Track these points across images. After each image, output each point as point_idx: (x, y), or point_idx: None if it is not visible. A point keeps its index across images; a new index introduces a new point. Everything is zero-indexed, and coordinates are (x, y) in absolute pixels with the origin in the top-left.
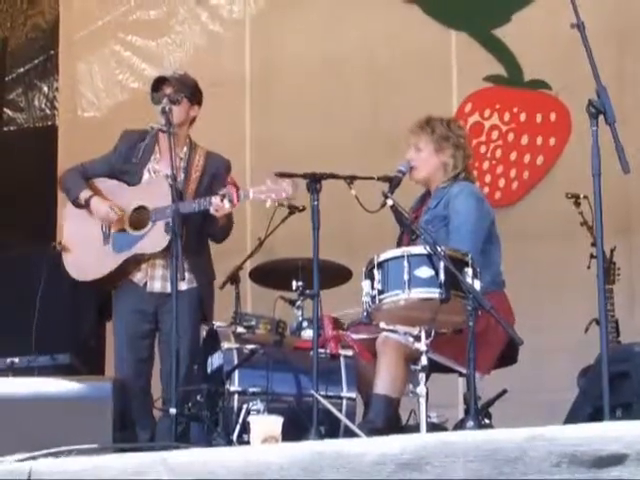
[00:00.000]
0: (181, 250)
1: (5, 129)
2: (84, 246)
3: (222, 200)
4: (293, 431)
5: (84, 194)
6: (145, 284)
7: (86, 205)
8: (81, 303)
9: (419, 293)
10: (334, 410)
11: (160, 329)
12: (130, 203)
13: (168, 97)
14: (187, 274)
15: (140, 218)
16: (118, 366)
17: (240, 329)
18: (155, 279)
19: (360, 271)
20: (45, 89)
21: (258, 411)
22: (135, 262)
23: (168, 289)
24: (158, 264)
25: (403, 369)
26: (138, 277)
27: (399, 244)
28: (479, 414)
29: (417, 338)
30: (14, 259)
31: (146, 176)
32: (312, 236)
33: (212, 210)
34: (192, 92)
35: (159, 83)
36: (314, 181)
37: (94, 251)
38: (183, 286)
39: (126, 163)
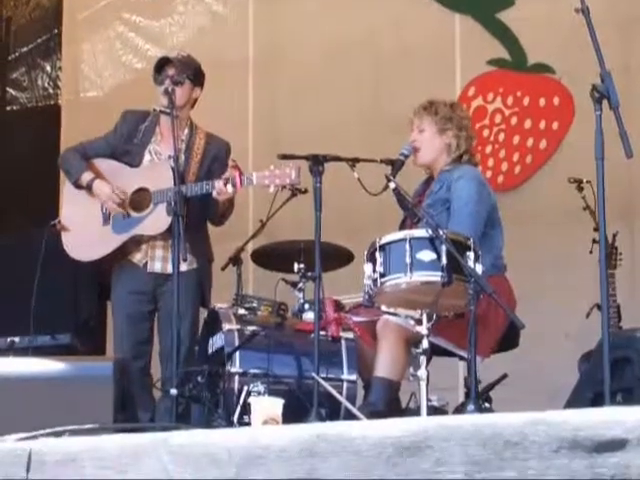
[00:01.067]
0: (181, 231)
1: (8, 108)
2: (83, 226)
3: (225, 184)
4: (294, 413)
5: (86, 176)
6: (145, 265)
7: (88, 188)
8: (81, 283)
9: (421, 276)
10: (335, 392)
11: (159, 310)
12: (131, 184)
13: (171, 78)
14: (188, 255)
15: (141, 200)
16: (117, 346)
17: (241, 311)
18: (155, 259)
19: (362, 254)
20: (48, 68)
21: (259, 393)
22: (135, 243)
23: (168, 270)
24: (158, 245)
25: (404, 352)
26: (138, 257)
27: (402, 228)
28: (480, 398)
29: (418, 321)
30: (13, 238)
31: (147, 157)
32: (314, 218)
33: (214, 194)
34: (195, 74)
35: (162, 64)
36: (317, 163)
37: (94, 231)
38: (183, 267)
39: (127, 144)
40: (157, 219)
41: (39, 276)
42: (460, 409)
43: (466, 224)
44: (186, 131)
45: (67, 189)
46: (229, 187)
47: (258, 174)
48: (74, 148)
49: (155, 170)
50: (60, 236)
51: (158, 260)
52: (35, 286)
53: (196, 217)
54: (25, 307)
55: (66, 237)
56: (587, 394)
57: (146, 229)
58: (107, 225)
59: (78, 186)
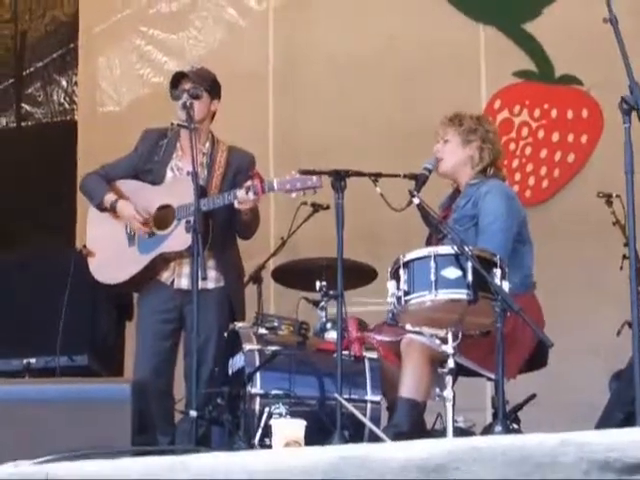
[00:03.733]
0: (206, 248)
1: (23, 124)
2: (109, 248)
3: (247, 193)
4: (316, 435)
5: (108, 198)
6: (172, 282)
7: (111, 209)
8: (100, 302)
9: (446, 294)
10: (358, 414)
11: (185, 328)
12: (154, 202)
13: (188, 92)
14: (214, 272)
15: (165, 217)
16: (139, 365)
17: (262, 330)
18: (182, 276)
19: (385, 271)
20: (64, 83)
21: (280, 414)
22: (163, 261)
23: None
24: (185, 262)
25: (429, 372)
26: (165, 276)
27: (428, 244)
28: (507, 419)
29: (444, 340)
30: (30, 257)
31: (169, 174)
32: (336, 235)
33: (236, 204)
34: (211, 86)
35: (177, 79)
36: (339, 178)
37: (120, 253)
38: (210, 285)
39: (148, 163)
40: (181, 235)
41: (64, 298)
42: (487, 430)
43: (495, 241)
44: (207, 145)
45: (91, 212)
46: (250, 194)
47: (279, 180)
48: (95, 172)
49: (177, 186)
50: (81, 257)
51: (185, 277)
52: (64, 307)
53: (223, 231)
54: (42, 327)
55: (92, 260)
56: (618, 414)
57: (171, 246)
58: (133, 246)
59: (102, 209)
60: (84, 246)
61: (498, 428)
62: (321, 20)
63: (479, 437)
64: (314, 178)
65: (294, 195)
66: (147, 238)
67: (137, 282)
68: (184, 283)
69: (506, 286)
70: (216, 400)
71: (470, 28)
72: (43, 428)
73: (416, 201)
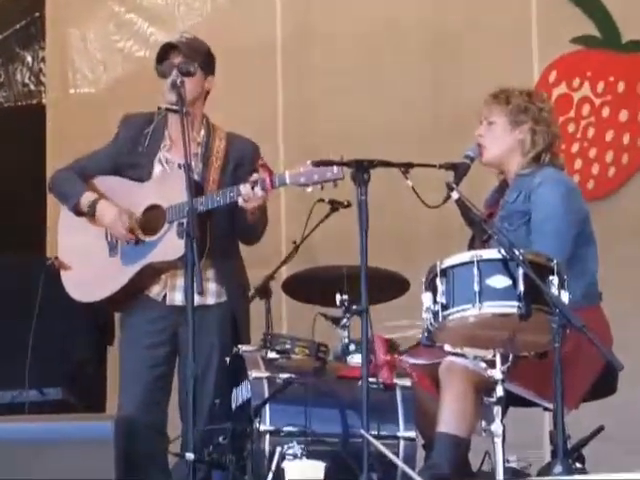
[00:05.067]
0: (204, 256)
1: None
2: (86, 260)
3: (253, 188)
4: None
5: (86, 198)
6: (164, 298)
7: (90, 212)
8: (76, 323)
9: (493, 307)
10: (389, 453)
11: (180, 352)
12: (140, 203)
13: (178, 68)
14: (214, 285)
15: (153, 220)
16: (124, 400)
17: (272, 354)
18: (176, 290)
19: (419, 281)
20: (29, 60)
21: (295, 455)
22: (152, 273)
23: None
24: (180, 273)
25: (473, 402)
26: (156, 290)
27: (470, 248)
28: (569, 457)
29: (491, 364)
30: None
31: (157, 168)
32: (359, 238)
33: (241, 202)
34: (205, 60)
35: (165, 52)
36: (361, 170)
37: (99, 265)
38: (209, 300)
39: (132, 154)
40: (173, 241)
41: (26, 318)
42: (545, 471)
43: (551, 243)
44: (202, 132)
45: (63, 216)
46: (257, 190)
47: (292, 172)
48: (68, 168)
49: (167, 182)
50: (52, 271)
51: (179, 291)
52: (31, 336)
53: (223, 237)
54: (6, 355)
55: (66, 274)
56: None
57: (161, 255)
58: (115, 256)
59: (78, 212)
60: (56, 257)
61: (558, 468)
62: None
63: (536, 479)
64: (335, 168)
65: (310, 189)
66: (132, 246)
67: (121, 299)
68: (178, 298)
69: (565, 297)
70: (217, 439)
71: None
72: (9, 473)
73: (455, 196)
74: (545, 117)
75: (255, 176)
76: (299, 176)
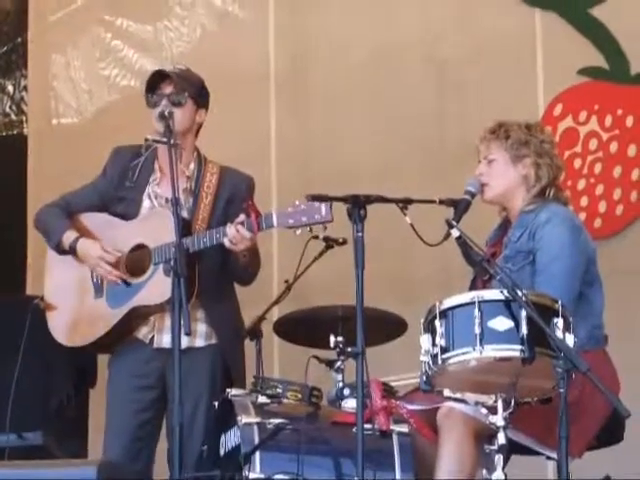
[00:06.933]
0: (192, 297)
1: None
2: (71, 302)
3: (238, 230)
4: None
5: (68, 236)
6: (152, 339)
7: (72, 250)
8: (56, 364)
9: (495, 350)
10: None
11: (168, 397)
12: (127, 242)
13: (168, 98)
14: (203, 326)
15: (140, 260)
16: (109, 446)
17: (262, 398)
18: (164, 332)
19: (418, 322)
20: (10, 88)
21: None
22: (139, 315)
23: (182, 344)
24: (168, 315)
25: (473, 449)
26: (143, 332)
27: (472, 289)
28: None
29: (492, 410)
30: None
31: (146, 203)
32: (355, 277)
33: (227, 243)
34: (198, 91)
35: (156, 81)
36: (357, 206)
37: (84, 308)
38: (198, 342)
39: (120, 189)
40: (160, 283)
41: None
42: None
43: (557, 284)
44: (192, 165)
45: (50, 255)
46: (244, 232)
47: (279, 212)
48: (54, 204)
49: (153, 220)
50: (32, 312)
51: (167, 333)
52: (16, 373)
53: (214, 277)
54: None
55: (52, 317)
56: None
57: (148, 298)
58: (100, 297)
59: (60, 250)
60: (41, 298)
61: None
62: (337, 8)
63: None
64: (323, 211)
65: (299, 232)
66: (118, 287)
67: (107, 342)
68: (166, 341)
69: (571, 340)
70: None
71: (524, 15)
72: None
73: (455, 233)
74: (547, 149)
75: (241, 217)
76: (287, 217)
